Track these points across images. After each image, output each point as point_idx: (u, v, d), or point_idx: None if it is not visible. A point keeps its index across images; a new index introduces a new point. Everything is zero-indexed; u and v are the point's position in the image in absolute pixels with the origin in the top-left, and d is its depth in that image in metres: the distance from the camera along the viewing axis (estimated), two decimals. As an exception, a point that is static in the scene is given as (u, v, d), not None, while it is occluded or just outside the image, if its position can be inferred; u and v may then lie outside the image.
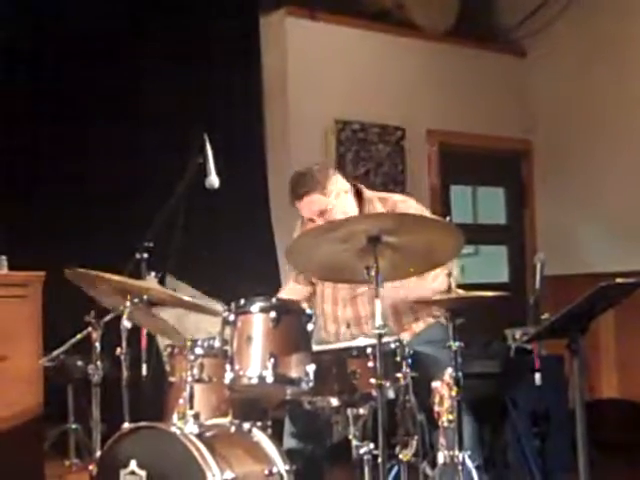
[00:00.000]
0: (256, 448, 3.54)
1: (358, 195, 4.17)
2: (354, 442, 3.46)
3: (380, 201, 4.16)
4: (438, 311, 3.99)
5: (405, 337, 4.06)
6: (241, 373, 3.39)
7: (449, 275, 3.63)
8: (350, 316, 4.14)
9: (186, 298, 3.79)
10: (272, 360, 3.33)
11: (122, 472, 3.45)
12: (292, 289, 4.32)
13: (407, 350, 3.61)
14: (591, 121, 7.42)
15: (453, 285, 3.65)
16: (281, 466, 3.50)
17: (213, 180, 4.04)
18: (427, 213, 4.09)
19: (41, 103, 5.82)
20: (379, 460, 3.26)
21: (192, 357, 3.58)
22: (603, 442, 4.52)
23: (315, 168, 4.08)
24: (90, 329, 3.85)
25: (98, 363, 3.87)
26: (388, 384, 3.43)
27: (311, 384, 3.38)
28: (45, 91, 5.83)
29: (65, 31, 5.84)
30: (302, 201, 4.03)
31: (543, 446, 4.61)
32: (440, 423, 3.48)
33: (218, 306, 3.89)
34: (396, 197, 4.24)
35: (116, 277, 3.72)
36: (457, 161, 7.53)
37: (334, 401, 3.50)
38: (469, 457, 3.50)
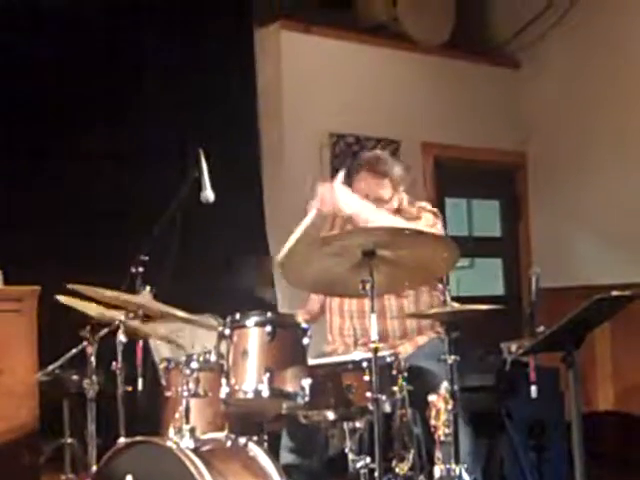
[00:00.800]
0: (252, 462, 3.53)
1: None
2: (350, 456, 3.46)
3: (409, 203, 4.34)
4: (440, 327, 4.02)
5: (408, 348, 4.08)
6: (237, 387, 3.39)
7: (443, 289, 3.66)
8: (355, 309, 4.18)
9: (180, 313, 3.79)
10: (268, 374, 3.33)
11: (118, 487, 3.45)
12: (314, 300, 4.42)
13: (403, 364, 3.62)
14: (585, 133, 7.43)
15: (448, 298, 3.65)
16: (277, 480, 3.50)
17: (208, 194, 4.05)
18: (439, 227, 4.19)
19: (37, 117, 5.82)
20: (376, 474, 3.26)
21: (188, 371, 3.58)
22: (599, 454, 4.52)
23: (403, 165, 4.29)
24: (85, 343, 3.85)
25: (93, 377, 3.86)
26: (384, 398, 3.43)
27: (307, 398, 3.38)
28: (42, 102, 5.82)
29: (63, 39, 5.84)
30: (372, 176, 4.18)
31: (539, 459, 4.61)
32: (436, 437, 3.48)
33: (213, 320, 3.89)
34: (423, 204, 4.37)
35: (111, 292, 3.73)
36: (452, 174, 7.53)
37: (330, 415, 3.50)
38: (466, 470, 3.50)
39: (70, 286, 3.70)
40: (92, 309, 3.84)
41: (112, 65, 6.01)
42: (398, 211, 4.25)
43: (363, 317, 4.11)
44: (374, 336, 3.28)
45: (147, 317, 3.89)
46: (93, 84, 5.92)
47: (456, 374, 3.56)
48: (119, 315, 3.79)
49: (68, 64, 5.85)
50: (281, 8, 6.77)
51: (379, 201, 4.15)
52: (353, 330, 4.22)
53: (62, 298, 3.87)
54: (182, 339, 4.27)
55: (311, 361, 3.50)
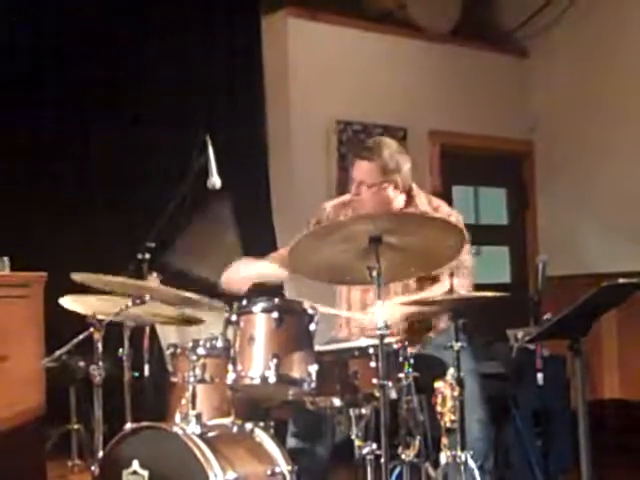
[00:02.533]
0: (258, 448, 3.54)
1: (408, 194, 4.19)
2: (356, 442, 3.46)
3: (426, 198, 4.22)
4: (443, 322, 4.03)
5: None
6: (243, 373, 3.39)
7: (451, 275, 3.64)
8: (358, 299, 4.17)
9: (188, 294, 3.79)
10: (274, 360, 3.33)
11: (124, 472, 3.45)
12: None
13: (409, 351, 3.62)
14: (592, 122, 7.42)
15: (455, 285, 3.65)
16: (283, 466, 3.50)
17: (215, 181, 4.05)
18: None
19: (41, 105, 5.82)
20: (382, 460, 3.25)
21: (194, 357, 3.58)
22: (605, 442, 4.52)
23: (398, 149, 4.14)
24: (92, 329, 3.84)
25: (100, 363, 3.86)
26: (390, 384, 3.42)
27: (313, 384, 3.37)
28: (46, 92, 5.82)
29: (65, 31, 5.84)
30: (363, 162, 4.07)
31: (545, 446, 4.60)
32: (442, 423, 3.48)
33: (220, 306, 3.89)
34: (444, 208, 4.23)
35: (120, 279, 3.73)
36: (459, 162, 7.53)
37: (336, 401, 3.50)
38: (472, 457, 3.50)
39: (74, 276, 3.69)
40: (98, 308, 3.84)
41: (116, 51, 6.01)
42: (409, 201, 4.20)
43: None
44: (380, 323, 3.27)
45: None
46: (96, 70, 5.93)
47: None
48: (126, 302, 3.79)
49: (76, 48, 5.87)
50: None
51: (369, 187, 4.06)
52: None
53: (66, 301, 3.88)
54: (189, 332, 4.27)
55: (318, 347, 3.50)
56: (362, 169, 4.09)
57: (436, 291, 3.86)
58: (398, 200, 4.14)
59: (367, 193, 4.08)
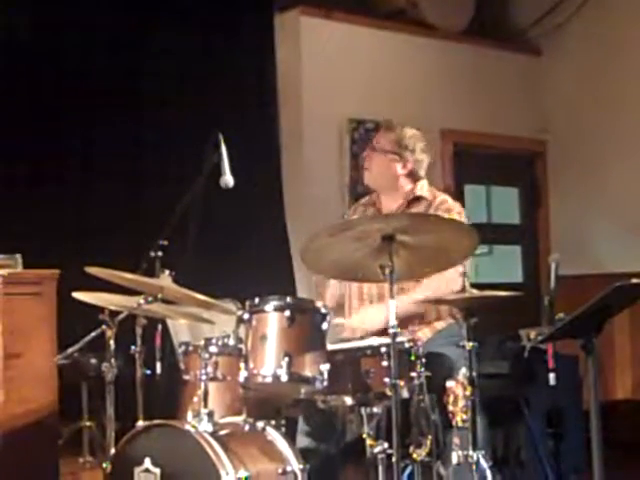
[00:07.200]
0: (270, 447, 3.55)
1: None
2: (368, 441, 3.46)
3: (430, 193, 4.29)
4: (457, 313, 4.00)
5: (427, 333, 4.07)
6: (255, 372, 3.40)
7: (463, 274, 3.63)
8: (374, 292, 4.17)
9: (199, 296, 3.79)
10: (286, 359, 3.34)
11: (136, 470, 3.47)
12: (334, 285, 4.36)
13: (421, 349, 3.61)
14: (606, 121, 7.40)
15: (467, 285, 3.64)
16: (295, 465, 3.51)
17: (228, 179, 4.05)
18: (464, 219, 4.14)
19: (46, 99, 5.81)
20: (393, 459, 3.26)
21: (206, 355, 3.59)
22: (617, 442, 4.50)
23: (421, 140, 4.35)
24: (104, 327, 3.85)
25: (112, 361, 3.87)
26: (402, 383, 3.42)
27: (325, 383, 3.38)
28: (50, 87, 5.82)
29: (69, 19, 5.84)
30: (381, 131, 4.38)
31: (557, 446, 4.59)
32: (454, 423, 3.48)
33: (232, 305, 3.89)
34: (444, 197, 4.31)
35: (132, 276, 3.73)
36: (471, 161, 7.52)
37: (348, 400, 3.50)
38: (483, 457, 3.49)
39: (89, 269, 3.70)
40: (110, 301, 3.85)
41: (132, 52, 6.02)
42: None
43: (382, 301, 4.08)
44: (392, 321, 3.28)
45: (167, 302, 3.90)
46: (105, 66, 5.94)
47: (474, 360, 3.56)
48: (138, 300, 3.80)
49: (90, 50, 5.88)
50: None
51: (374, 150, 4.30)
52: None
53: (80, 295, 3.89)
54: (200, 333, 4.28)
55: (330, 346, 3.50)
56: (378, 136, 4.33)
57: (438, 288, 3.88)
58: (403, 182, 4.24)
59: (375, 160, 4.26)
